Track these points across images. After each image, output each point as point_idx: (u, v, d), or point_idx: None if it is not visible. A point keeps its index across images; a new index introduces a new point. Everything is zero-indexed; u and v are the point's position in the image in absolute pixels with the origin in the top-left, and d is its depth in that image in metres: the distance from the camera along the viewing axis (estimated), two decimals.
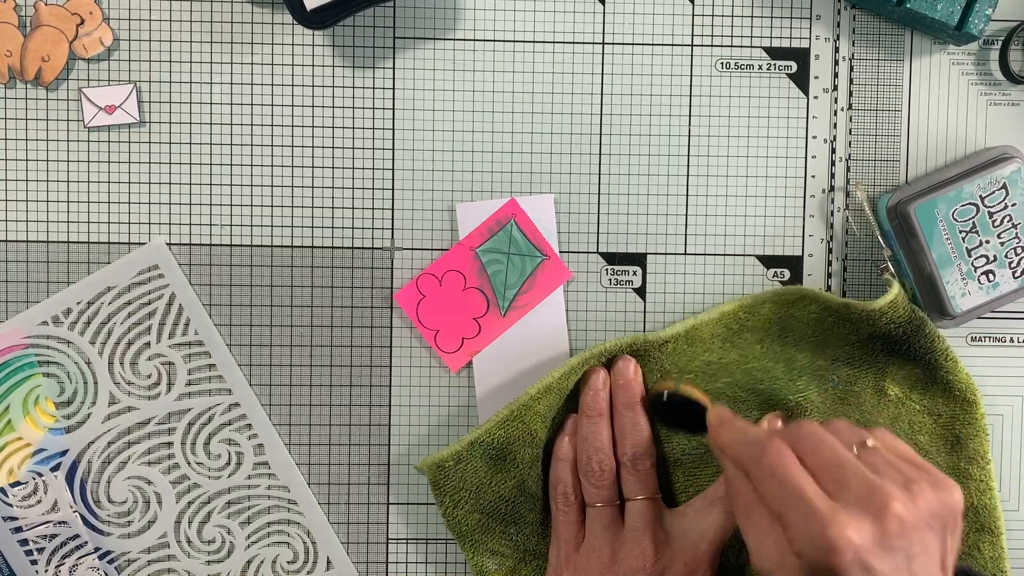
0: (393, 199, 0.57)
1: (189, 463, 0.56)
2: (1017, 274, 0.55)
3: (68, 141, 0.56)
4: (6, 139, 0.55)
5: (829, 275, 0.58)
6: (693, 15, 0.57)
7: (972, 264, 0.55)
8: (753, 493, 0.46)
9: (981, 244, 0.55)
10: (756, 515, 0.45)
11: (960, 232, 0.55)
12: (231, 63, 0.56)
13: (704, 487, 0.55)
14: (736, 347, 0.56)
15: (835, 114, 0.57)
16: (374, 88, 0.56)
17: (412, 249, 0.57)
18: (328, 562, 0.57)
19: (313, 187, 0.56)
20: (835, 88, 0.57)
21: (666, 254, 0.57)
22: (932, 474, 0.44)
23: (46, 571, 0.56)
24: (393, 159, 0.56)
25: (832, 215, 0.58)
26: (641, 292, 0.57)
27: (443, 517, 0.55)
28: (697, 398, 0.53)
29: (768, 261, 0.58)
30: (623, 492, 0.54)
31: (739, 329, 0.56)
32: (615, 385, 0.55)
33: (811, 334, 0.56)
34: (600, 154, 0.57)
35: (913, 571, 0.42)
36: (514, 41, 0.56)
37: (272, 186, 0.56)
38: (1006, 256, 0.55)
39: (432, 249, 0.57)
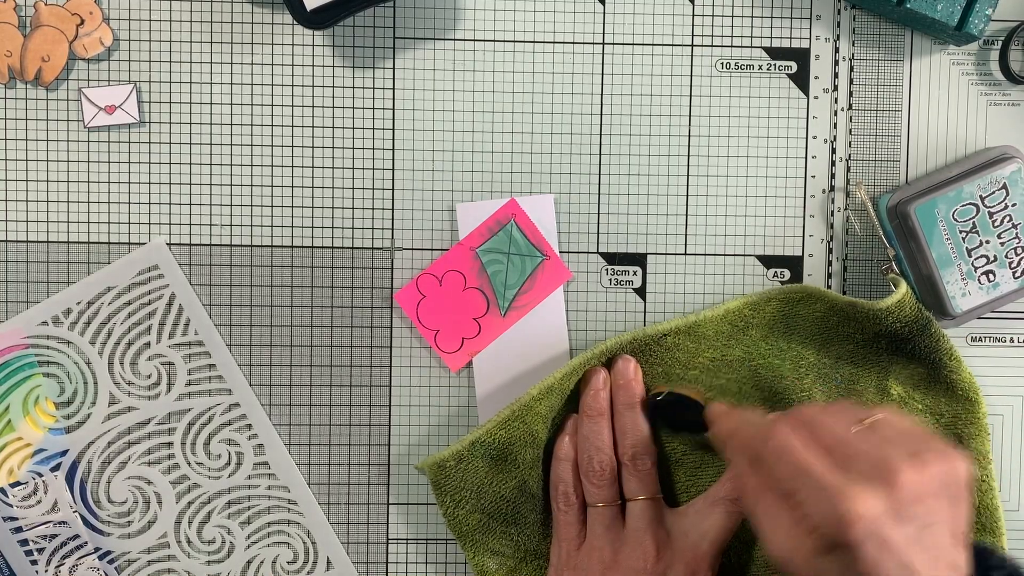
0: (393, 199, 0.57)
1: (189, 463, 0.56)
2: (1017, 274, 0.55)
3: (68, 141, 0.56)
4: (6, 139, 0.55)
5: (829, 275, 0.58)
6: (693, 15, 0.57)
7: (972, 264, 0.55)
8: (761, 481, 0.45)
9: (981, 244, 0.55)
10: (766, 502, 0.45)
11: (960, 232, 0.55)
12: (231, 63, 0.56)
13: (706, 487, 0.55)
14: (741, 344, 0.56)
15: (835, 114, 0.57)
16: (374, 88, 0.56)
17: (412, 249, 0.57)
18: (328, 562, 0.57)
19: (313, 187, 0.56)
20: (835, 88, 0.57)
21: (666, 254, 0.57)
22: (938, 444, 0.44)
23: (46, 571, 0.56)
24: (393, 159, 0.56)
25: (832, 215, 0.58)
26: (641, 292, 0.57)
27: (444, 517, 0.55)
28: (693, 397, 0.54)
29: (768, 261, 0.58)
30: (624, 492, 0.54)
31: (744, 327, 0.56)
32: (615, 385, 0.55)
33: (816, 332, 0.56)
34: (600, 154, 0.57)
35: (928, 540, 0.41)
36: (514, 41, 0.56)
37: (272, 186, 0.56)
38: (1006, 256, 0.55)
39: (432, 249, 0.57)
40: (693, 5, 0.57)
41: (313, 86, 0.56)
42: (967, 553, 0.43)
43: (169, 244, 0.56)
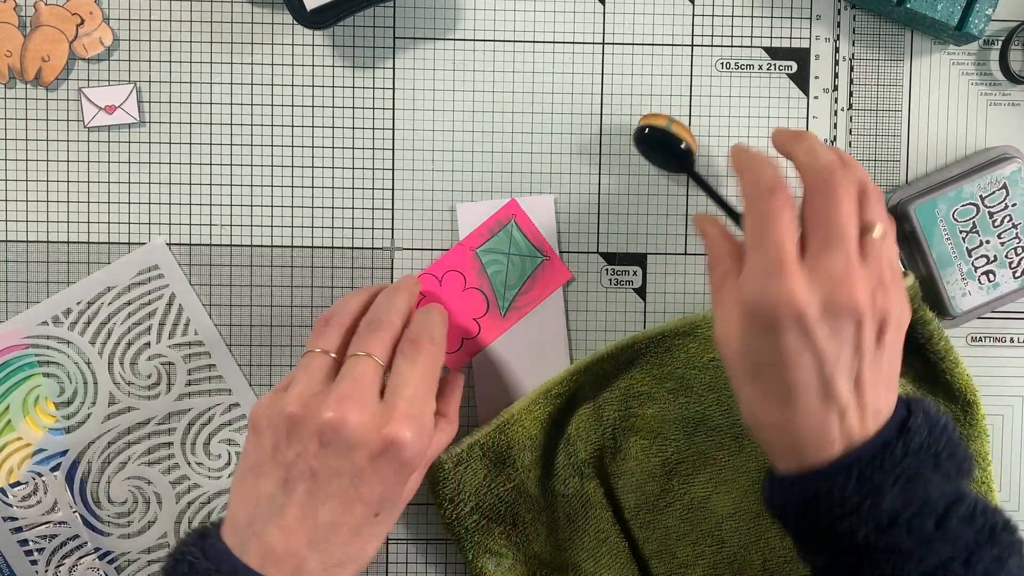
0: (393, 199, 0.57)
1: (189, 463, 0.56)
2: (1017, 274, 0.55)
3: (68, 141, 0.56)
4: (6, 139, 0.55)
5: None
6: (693, 15, 0.57)
7: (972, 264, 0.55)
8: (731, 267, 0.46)
9: (981, 244, 0.55)
10: (727, 289, 0.45)
11: (960, 232, 0.55)
12: (231, 63, 0.56)
13: (698, 493, 0.55)
14: None
15: (835, 114, 0.57)
16: (374, 88, 0.56)
17: (412, 249, 0.57)
18: None
19: (313, 187, 0.56)
20: (835, 88, 0.57)
21: (666, 254, 0.57)
22: (903, 292, 0.45)
23: (46, 571, 0.56)
24: (393, 159, 0.56)
25: None
26: (641, 292, 0.57)
27: (442, 519, 0.55)
28: (683, 137, 0.54)
29: None
30: None
31: None
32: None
33: None
34: (600, 154, 0.57)
35: (848, 352, 0.42)
36: (514, 41, 0.56)
37: (272, 186, 0.56)
38: (1006, 256, 0.55)
39: (432, 249, 0.57)
40: (693, 5, 0.57)
41: (313, 86, 0.56)
42: (893, 397, 0.44)
43: (169, 244, 0.56)
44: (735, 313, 0.44)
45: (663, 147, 0.55)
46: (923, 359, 0.55)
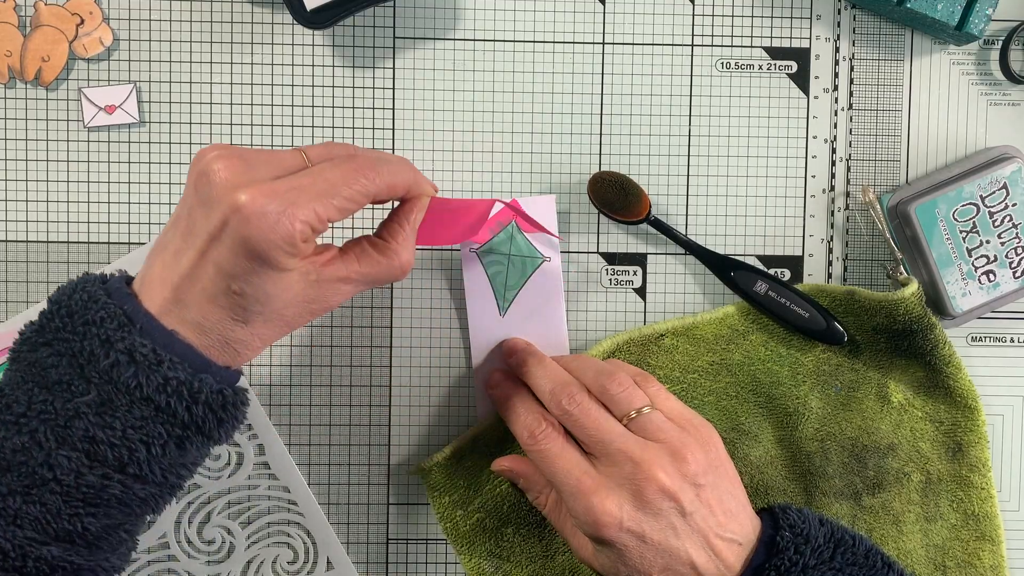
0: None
1: None
2: (1017, 274, 0.55)
3: (68, 141, 0.56)
4: (6, 139, 0.55)
5: (829, 275, 0.58)
6: (693, 15, 0.57)
7: (972, 264, 0.55)
8: (555, 494, 0.51)
9: (981, 244, 0.55)
10: (563, 515, 0.51)
11: (960, 232, 0.55)
12: (231, 63, 0.56)
13: None
14: (741, 348, 0.56)
15: (835, 114, 0.57)
16: (374, 88, 0.56)
17: None
18: (328, 562, 0.57)
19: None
20: (835, 88, 0.57)
21: (666, 254, 0.57)
22: (700, 431, 0.48)
23: None
24: None
25: (833, 215, 0.58)
26: (641, 292, 0.57)
27: (441, 521, 0.55)
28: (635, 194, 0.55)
29: (768, 261, 0.58)
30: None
31: (744, 331, 0.56)
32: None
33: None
34: (600, 154, 0.57)
35: (680, 522, 0.45)
36: (514, 41, 0.56)
37: None
38: (1006, 256, 0.55)
39: (432, 249, 0.57)
40: (693, 5, 0.57)
41: (313, 86, 0.56)
42: (745, 520, 0.47)
43: None
44: (580, 532, 0.48)
45: (616, 206, 0.56)
46: (925, 365, 0.55)
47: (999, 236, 0.55)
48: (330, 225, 0.42)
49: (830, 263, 0.58)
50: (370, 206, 0.54)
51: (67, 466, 0.39)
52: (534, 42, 0.56)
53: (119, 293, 0.41)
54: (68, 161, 0.56)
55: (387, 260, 0.45)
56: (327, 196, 0.41)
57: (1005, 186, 0.55)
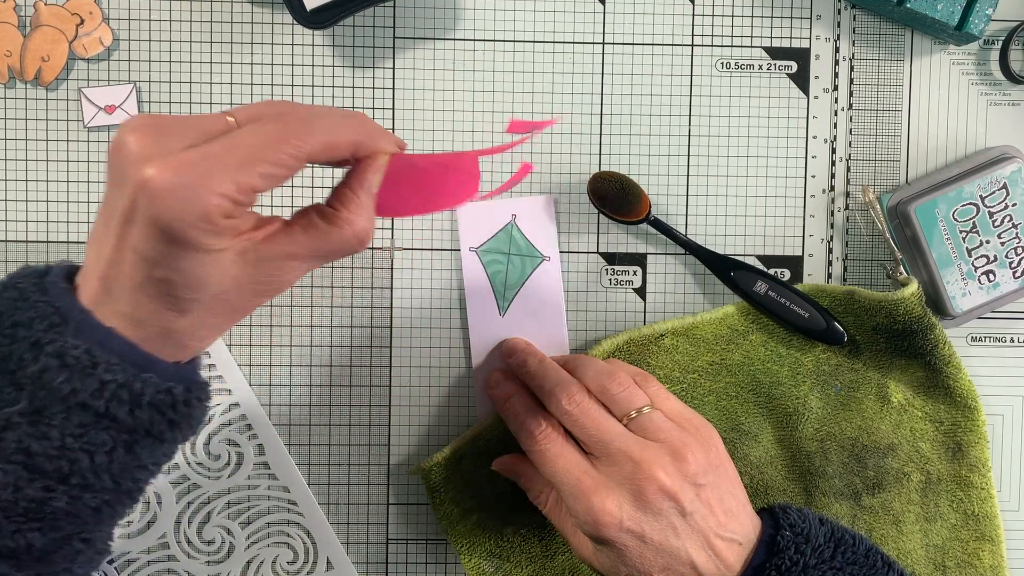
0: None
1: (189, 463, 0.56)
2: (1017, 274, 0.55)
3: (68, 141, 0.56)
4: (6, 139, 0.55)
5: (829, 276, 0.58)
6: (693, 15, 0.57)
7: (972, 264, 0.55)
8: (555, 494, 0.51)
9: (981, 244, 0.55)
10: (563, 515, 0.51)
11: (960, 232, 0.55)
12: (231, 63, 0.56)
13: None
14: (740, 349, 0.56)
15: (835, 114, 0.57)
16: (374, 88, 0.56)
17: (412, 249, 0.57)
18: (328, 563, 0.57)
19: (313, 187, 0.56)
20: (835, 88, 0.57)
21: (666, 254, 0.57)
22: (700, 430, 0.48)
23: None
24: None
25: (832, 215, 0.58)
26: (641, 292, 0.57)
27: (440, 520, 0.55)
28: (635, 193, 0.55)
29: (768, 261, 0.58)
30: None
31: (744, 331, 0.56)
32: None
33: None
34: (600, 154, 0.57)
35: (680, 522, 0.46)
36: (514, 41, 0.56)
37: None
38: (1006, 256, 0.55)
39: (432, 249, 0.57)
40: (693, 5, 0.57)
41: (313, 86, 0.56)
42: (745, 519, 0.47)
43: None
44: (580, 532, 0.49)
45: (616, 206, 0.56)
46: (925, 365, 0.55)
47: (999, 236, 0.55)
48: (258, 196, 0.37)
49: (830, 263, 0.58)
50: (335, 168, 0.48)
51: (3, 480, 0.35)
52: (534, 42, 0.56)
53: (55, 288, 0.37)
54: (68, 161, 0.56)
55: (338, 231, 0.39)
56: (249, 163, 0.35)
57: (1005, 186, 0.55)
